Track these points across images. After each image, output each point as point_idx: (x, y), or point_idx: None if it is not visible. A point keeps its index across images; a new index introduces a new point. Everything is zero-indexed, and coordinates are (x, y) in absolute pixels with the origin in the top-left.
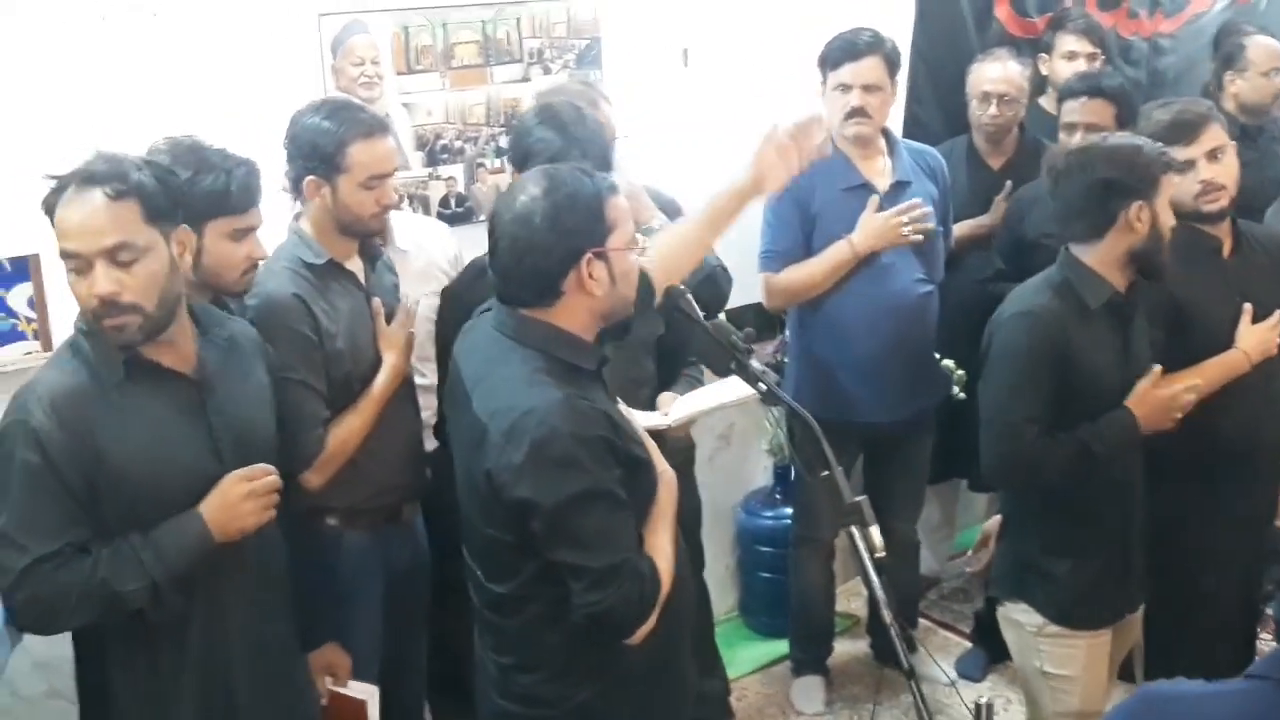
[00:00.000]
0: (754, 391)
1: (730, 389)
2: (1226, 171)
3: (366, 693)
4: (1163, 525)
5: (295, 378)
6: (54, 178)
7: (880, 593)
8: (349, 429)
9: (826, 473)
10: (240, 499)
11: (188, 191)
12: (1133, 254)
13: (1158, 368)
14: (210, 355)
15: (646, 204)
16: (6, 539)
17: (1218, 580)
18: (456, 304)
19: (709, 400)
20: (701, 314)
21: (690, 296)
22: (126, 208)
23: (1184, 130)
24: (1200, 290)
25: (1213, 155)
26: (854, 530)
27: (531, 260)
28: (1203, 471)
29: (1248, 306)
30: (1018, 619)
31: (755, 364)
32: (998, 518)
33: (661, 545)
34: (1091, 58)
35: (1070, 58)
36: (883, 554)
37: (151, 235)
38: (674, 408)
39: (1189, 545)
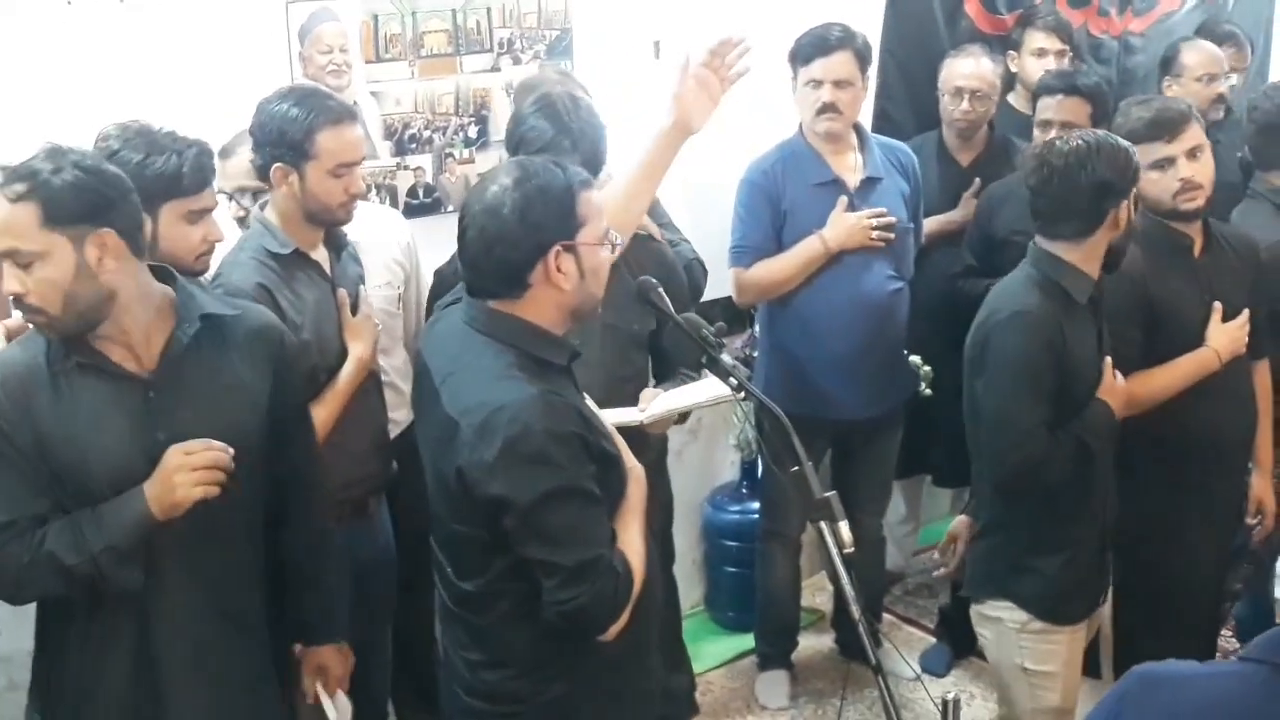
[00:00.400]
0: (732, 393)
1: (709, 388)
2: (1204, 170)
3: (340, 709)
4: (1133, 521)
5: None
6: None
7: (849, 588)
8: (315, 421)
9: (796, 467)
10: (174, 470)
11: (138, 175)
12: (1109, 248)
13: (1109, 360)
14: (174, 351)
15: None
16: None
17: (1186, 576)
18: (447, 286)
19: (687, 399)
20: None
21: (662, 290)
22: (24, 211)
23: (1166, 127)
24: (1173, 288)
25: (1192, 154)
26: (823, 525)
27: (500, 251)
28: (1172, 468)
29: (1218, 305)
30: (999, 616)
31: (726, 358)
32: (964, 517)
33: (633, 541)
34: (1061, 55)
35: (1040, 55)
36: (852, 549)
37: (50, 240)
38: (652, 405)
39: (1159, 542)
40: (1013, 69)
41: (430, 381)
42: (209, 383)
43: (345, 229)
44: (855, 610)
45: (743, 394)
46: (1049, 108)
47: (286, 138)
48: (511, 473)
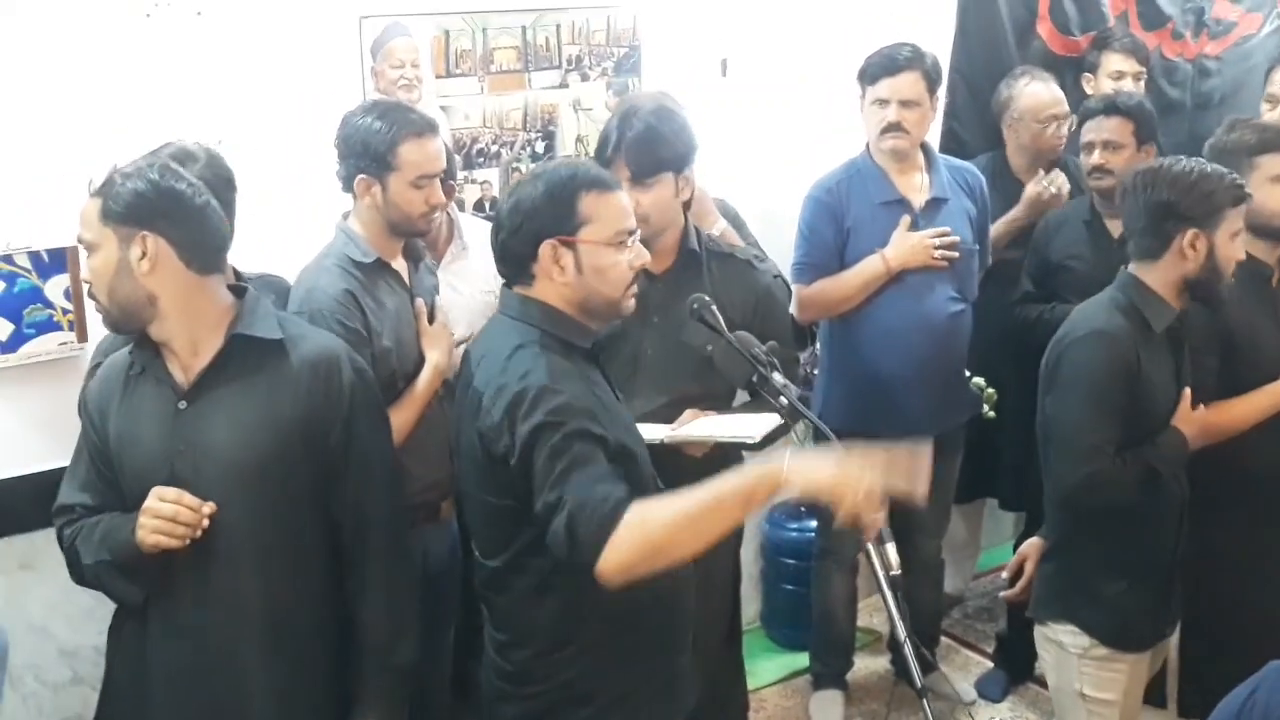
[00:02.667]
0: (784, 436)
1: (757, 425)
2: None
3: None
4: (1200, 551)
5: None
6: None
7: (894, 609)
8: (393, 425)
9: None
10: (143, 510)
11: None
12: (1188, 282)
13: (1188, 390)
14: (215, 367)
15: (710, 209)
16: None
17: (1258, 609)
18: None
19: (725, 430)
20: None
21: (715, 308)
22: (92, 205)
23: None
24: (1251, 317)
25: None
26: (870, 546)
27: (503, 238)
28: (1248, 499)
29: None
30: (1062, 640)
31: (778, 378)
32: (1034, 540)
33: (679, 504)
34: (1138, 77)
35: (1117, 77)
36: (898, 571)
37: (102, 233)
38: (687, 426)
39: (1232, 572)
40: (1088, 91)
41: (468, 367)
42: (237, 403)
43: (464, 234)
44: (901, 632)
45: (794, 415)
46: (1090, 129)
47: (370, 150)
48: (514, 423)
